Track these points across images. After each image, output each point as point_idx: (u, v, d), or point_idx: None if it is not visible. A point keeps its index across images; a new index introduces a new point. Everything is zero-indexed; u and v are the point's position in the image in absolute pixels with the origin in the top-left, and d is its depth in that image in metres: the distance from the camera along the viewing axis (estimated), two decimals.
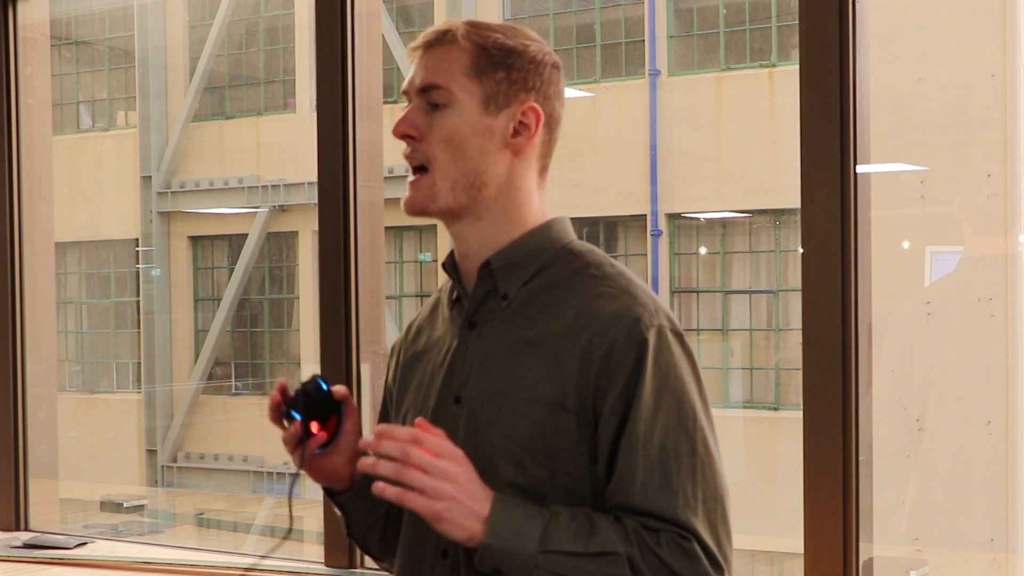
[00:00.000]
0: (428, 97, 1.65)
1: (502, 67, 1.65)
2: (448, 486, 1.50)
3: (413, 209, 1.67)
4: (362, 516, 1.78)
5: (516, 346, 1.63)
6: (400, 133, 1.66)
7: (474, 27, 1.66)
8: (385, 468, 1.51)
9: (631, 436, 1.56)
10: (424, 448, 1.51)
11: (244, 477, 12.98)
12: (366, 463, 1.52)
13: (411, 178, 1.67)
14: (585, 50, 12.17)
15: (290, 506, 1.78)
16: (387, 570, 1.90)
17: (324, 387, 1.70)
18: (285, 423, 1.70)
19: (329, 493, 1.78)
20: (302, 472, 1.71)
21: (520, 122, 1.66)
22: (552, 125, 1.69)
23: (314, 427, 1.69)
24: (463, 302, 1.70)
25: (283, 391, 1.70)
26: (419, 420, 1.55)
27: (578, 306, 1.61)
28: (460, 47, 1.65)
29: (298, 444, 1.69)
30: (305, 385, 1.70)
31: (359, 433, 1.74)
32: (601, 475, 1.59)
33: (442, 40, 1.66)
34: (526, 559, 1.52)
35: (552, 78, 1.68)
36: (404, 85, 1.69)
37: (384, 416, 1.85)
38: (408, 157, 1.67)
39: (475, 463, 1.57)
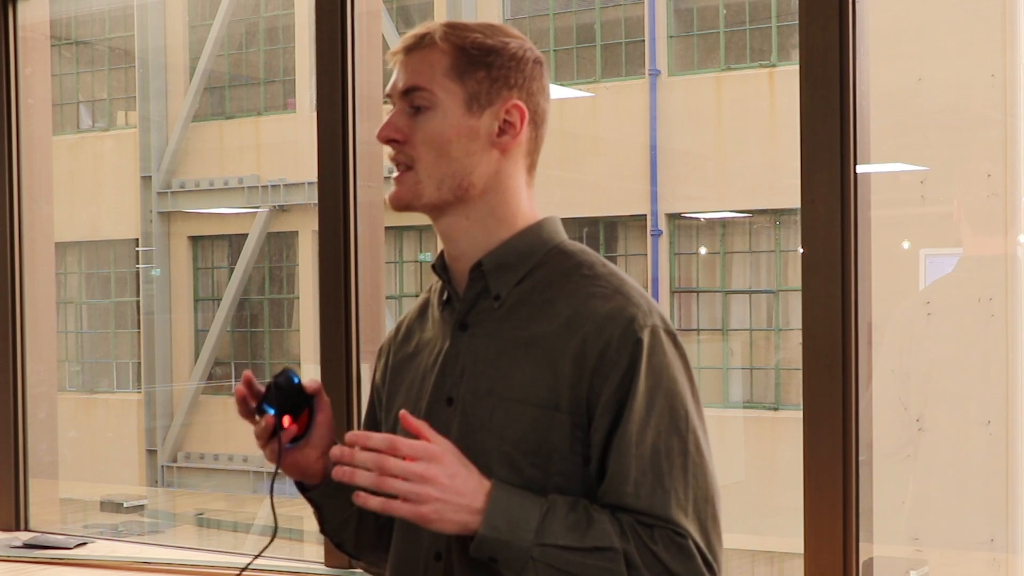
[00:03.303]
0: (411, 100, 1.64)
1: (482, 66, 1.64)
2: (429, 489, 1.49)
3: (398, 204, 1.66)
4: (335, 512, 1.77)
5: (509, 347, 1.63)
6: (384, 138, 1.65)
7: (452, 28, 1.65)
8: (363, 479, 1.49)
9: (624, 436, 1.56)
10: (400, 454, 1.49)
11: (244, 477, 12.98)
12: (342, 473, 1.51)
13: (395, 174, 1.67)
14: (585, 50, 12.17)
15: (272, 504, 1.76)
16: (366, 569, 1.90)
17: (296, 380, 1.68)
18: (256, 417, 1.68)
19: (301, 488, 1.77)
20: (280, 471, 1.70)
21: (505, 120, 1.65)
22: (538, 121, 1.68)
23: (286, 421, 1.67)
24: (454, 303, 1.69)
25: (250, 384, 1.68)
26: (403, 413, 1.53)
27: (571, 306, 1.61)
28: (439, 49, 1.64)
29: (270, 439, 1.68)
30: (277, 379, 1.68)
31: (331, 426, 1.73)
32: (593, 475, 1.59)
33: (420, 44, 1.65)
34: (522, 551, 1.51)
35: (534, 73, 1.67)
36: (387, 89, 1.68)
37: (371, 417, 1.84)
38: (393, 159, 1.67)
39: None
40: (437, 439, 1.53)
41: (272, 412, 1.67)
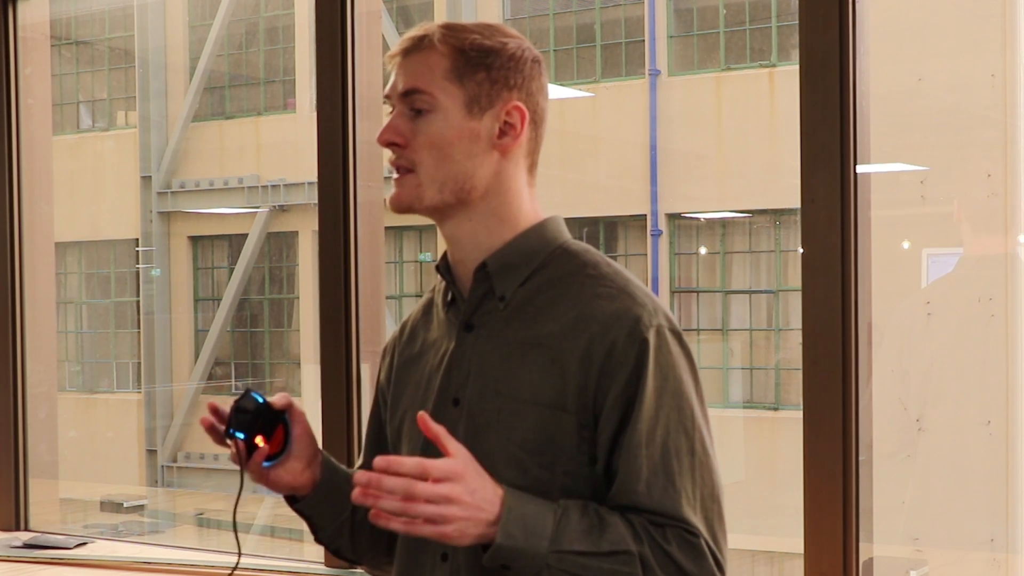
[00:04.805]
0: (411, 102, 1.63)
1: (482, 68, 1.63)
2: (454, 509, 1.47)
3: (399, 207, 1.65)
4: (327, 521, 1.76)
5: (515, 347, 1.62)
6: (385, 141, 1.64)
7: (450, 30, 1.64)
8: (390, 506, 1.46)
9: (634, 436, 1.56)
10: (430, 477, 1.47)
11: None
12: (364, 497, 1.47)
13: (395, 175, 1.66)
14: (585, 50, 12.16)
15: (236, 510, 1.75)
16: (369, 572, 1.89)
17: (259, 400, 1.66)
18: (228, 443, 1.66)
19: (291, 501, 1.75)
20: (246, 477, 1.68)
21: (505, 122, 1.64)
22: (538, 121, 1.67)
23: (259, 440, 1.66)
24: (459, 304, 1.69)
25: (215, 412, 1.67)
26: (421, 415, 1.51)
27: (577, 306, 1.61)
28: (438, 52, 1.63)
29: (247, 461, 1.67)
30: (239, 402, 1.66)
31: (311, 436, 1.71)
32: (600, 475, 1.59)
33: (419, 46, 1.64)
34: (537, 558, 1.51)
35: (533, 73, 1.67)
36: (386, 90, 1.67)
37: (375, 418, 1.84)
38: (394, 163, 1.66)
39: None
40: (455, 446, 1.51)
41: (241, 437, 1.65)
